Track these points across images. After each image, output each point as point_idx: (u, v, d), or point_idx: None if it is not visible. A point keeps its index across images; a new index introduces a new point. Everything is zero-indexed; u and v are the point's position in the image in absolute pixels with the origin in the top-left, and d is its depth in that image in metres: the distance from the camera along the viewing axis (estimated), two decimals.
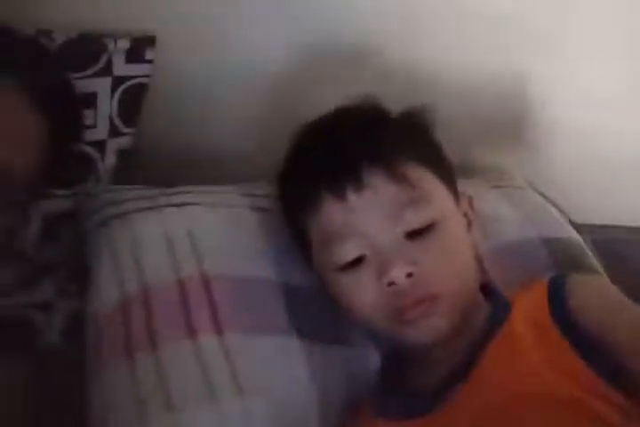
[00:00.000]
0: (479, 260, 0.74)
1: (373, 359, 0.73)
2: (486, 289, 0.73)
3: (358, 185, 0.66)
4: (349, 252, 0.66)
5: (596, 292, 0.68)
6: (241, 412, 0.65)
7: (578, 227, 0.90)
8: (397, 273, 0.64)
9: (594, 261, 0.82)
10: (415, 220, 0.66)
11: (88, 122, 0.82)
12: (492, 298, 0.71)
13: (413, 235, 0.66)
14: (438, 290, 0.65)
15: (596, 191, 0.97)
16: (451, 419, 0.62)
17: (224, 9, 0.87)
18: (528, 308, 0.67)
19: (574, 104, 0.96)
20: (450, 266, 0.66)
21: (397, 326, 0.66)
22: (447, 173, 0.72)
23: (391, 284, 0.65)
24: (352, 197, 0.66)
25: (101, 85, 0.84)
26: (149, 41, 0.86)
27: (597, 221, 0.96)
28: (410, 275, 0.65)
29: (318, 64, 0.90)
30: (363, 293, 0.66)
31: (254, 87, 0.91)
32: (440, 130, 0.74)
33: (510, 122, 0.97)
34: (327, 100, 0.73)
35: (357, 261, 0.67)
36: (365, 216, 0.66)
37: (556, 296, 0.66)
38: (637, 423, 0.58)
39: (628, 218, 0.99)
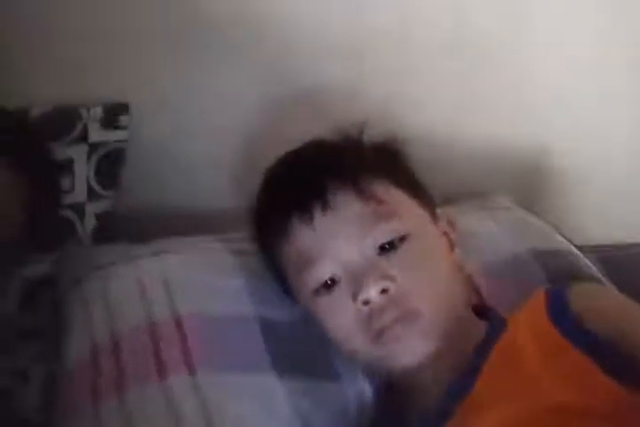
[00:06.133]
0: (468, 279, 0.71)
1: (365, 393, 0.68)
2: (482, 309, 0.69)
3: (324, 205, 0.64)
4: (321, 274, 0.64)
5: (602, 296, 0.65)
6: None
7: (580, 248, 0.85)
8: (371, 290, 0.61)
9: (593, 269, 0.78)
10: (383, 234, 0.64)
11: (66, 186, 0.84)
12: (489, 317, 0.67)
13: (385, 250, 0.63)
14: (417, 305, 0.61)
15: (592, 213, 0.96)
16: None
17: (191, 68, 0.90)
18: (525, 320, 0.63)
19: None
20: (427, 281, 0.63)
21: (378, 349, 0.61)
22: (421, 193, 0.70)
23: (366, 302, 0.61)
24: (318, 218, 0.64)
25: (78, 152, 0.86)
26: (123, 108, 0.89)
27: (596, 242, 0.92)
28: (384, 291, 0.61)
29: (289, 112, 0.91)
30: (339, 315, 0.63)
31: (226, 139, 0.92)
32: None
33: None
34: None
35: (332, 284, 0.63)
36: (332, 235, 0.64)
37: (555, 302, 0.62)
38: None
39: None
